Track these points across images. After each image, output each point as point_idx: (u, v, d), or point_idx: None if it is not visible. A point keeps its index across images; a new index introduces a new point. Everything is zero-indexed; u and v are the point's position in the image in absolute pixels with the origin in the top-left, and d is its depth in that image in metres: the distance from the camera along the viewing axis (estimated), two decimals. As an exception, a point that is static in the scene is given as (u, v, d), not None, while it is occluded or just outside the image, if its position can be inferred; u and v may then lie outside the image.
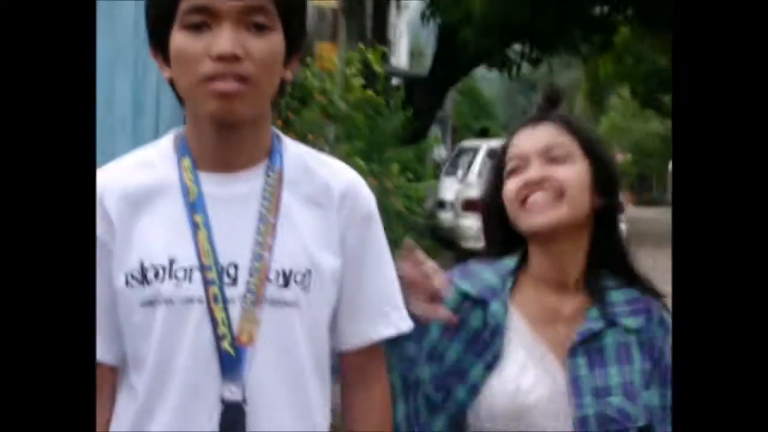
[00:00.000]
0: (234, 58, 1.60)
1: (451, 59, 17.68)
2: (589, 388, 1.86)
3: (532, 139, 1.93)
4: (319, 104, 11.10)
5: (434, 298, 1.84)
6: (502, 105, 59.91)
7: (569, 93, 48.09)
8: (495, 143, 16.71)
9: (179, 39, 1.63)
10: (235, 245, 1.66)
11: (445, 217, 16.55)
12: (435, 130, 23.10)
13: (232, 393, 1.63)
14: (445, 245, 16.04)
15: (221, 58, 1.60)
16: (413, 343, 1.92)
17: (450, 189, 16.41)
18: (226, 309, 1.64)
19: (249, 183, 1.70)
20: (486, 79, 44.83)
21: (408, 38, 37.46)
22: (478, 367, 1.90)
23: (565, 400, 1.87)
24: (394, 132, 14.69)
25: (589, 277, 1.94)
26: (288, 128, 9.87)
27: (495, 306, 1.92)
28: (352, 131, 12.58)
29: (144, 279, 1.65)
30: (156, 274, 1.65)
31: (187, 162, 1.70)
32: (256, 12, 1.63)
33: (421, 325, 1.83)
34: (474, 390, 1.90)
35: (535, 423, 1.86)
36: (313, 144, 9.66)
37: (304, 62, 11.98)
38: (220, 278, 1.64)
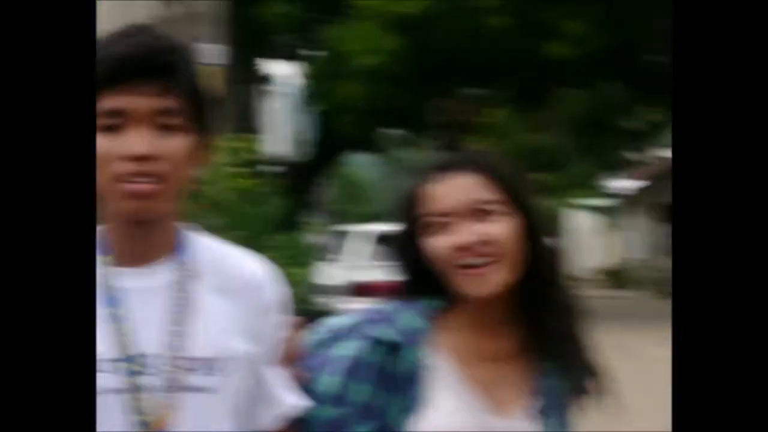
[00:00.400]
0: (148, 158, 1.68)
1: (328, 145, 17.84)
2: None
3: (453, 192, 1.84)
4: (199, 194, 11.02)
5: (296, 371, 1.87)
6: (377, 188, 60.56)
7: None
8: (376, 227, 16.81)
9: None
10: (151, 335, 1.72)
11: (329, 301, 16.50)
12: (312, 215, 23.15)
13: None
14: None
15: (136, 159, 1.68)
16: (334, 406, 1.84)
17: (332, 274, 16.41)
18: (145, 397, 1.70)
19: (161, 275, 1.77)
20: (360, 163, 45.32)
21: (284, 125, 37.66)
22: (393, 409, 1.83)
23: None
24: (273, 219, 14.68)
25: (534, 325, 1.88)
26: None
27: (410, 352, 1.84)
28: (232, 220, 12.52)
29: None
30: None
31: (107, 260, 1.76)
32: (167, 113, 1.70)
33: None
34: (385, 429, 1.82)
35: None
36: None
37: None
38: (140, 368, 1.71)
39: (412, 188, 1.88)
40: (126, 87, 1.69)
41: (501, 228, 1.81)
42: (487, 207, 1.82)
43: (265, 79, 20.53)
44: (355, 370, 1.85)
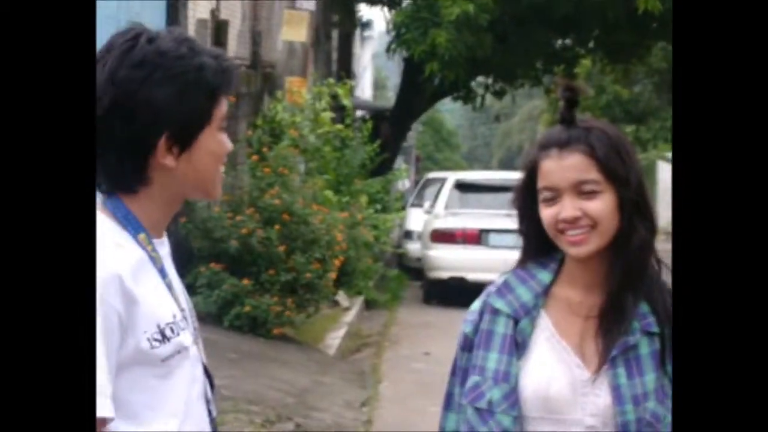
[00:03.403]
0: None
1: (416, 92, 17.90)
2: (630, 396, 2.08)
3: (562, 170, 2.09)
4: (291, 138, 11.22)
5: None
6: (464, 136, 60.16)
7: (531, 121, 48.09)
8: (461, 175, 16.87)
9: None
10: (179, 293, 1.96)
11: (413, 247, 16.70)
12: (399, 161, 23.28)
13: None
14: (413, 275, 16.19)
15: None
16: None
17: (417, 220, 16.57)
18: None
19: (167, 245, 1.98)
20: (448, 110, 45.05)
21: (371, 70, 37.70)
22: (516, 363, 2.12)
23: (579, 391, 2.09)
24: (361, 164, 14.85)
25: (620, 286, 2.12)
26: (262, 162, 10.00)
27: (524, 323, 2.13)
28: (321, 164, 12.69)
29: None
30: None
31: (142, 237, 1.89)
32: None
33: None
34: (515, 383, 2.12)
35: (557, 411, 2.09)
36: (286, 178, 9.80)
37: (275, 97, 12.14)
38: (188, 320, 1.93)
39: (531, 160, 2.15)
40: None
41: (600, 204, 2.07)
42: (590, 185, 2.07)
43: (357, 24, 20.64)
44: (487, 340, 2.16)
